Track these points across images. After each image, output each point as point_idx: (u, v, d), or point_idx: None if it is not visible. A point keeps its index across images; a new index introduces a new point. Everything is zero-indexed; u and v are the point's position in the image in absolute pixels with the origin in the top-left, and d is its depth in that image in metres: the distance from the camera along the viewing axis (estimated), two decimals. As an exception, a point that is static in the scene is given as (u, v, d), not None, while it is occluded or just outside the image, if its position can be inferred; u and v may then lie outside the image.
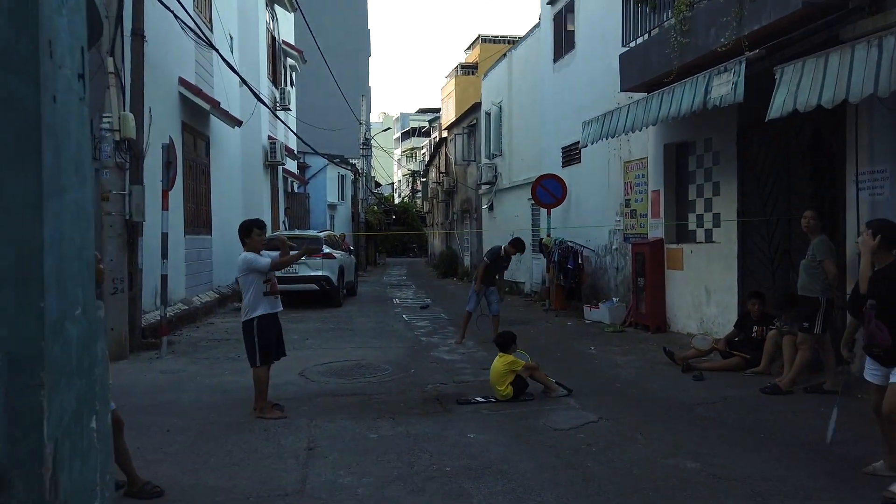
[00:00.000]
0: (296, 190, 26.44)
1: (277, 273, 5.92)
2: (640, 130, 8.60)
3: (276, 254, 6.03)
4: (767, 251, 7.98)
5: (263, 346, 5.73)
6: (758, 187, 8.09)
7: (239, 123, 15.00)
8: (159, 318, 9.17)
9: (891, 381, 3.92)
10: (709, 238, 9.17)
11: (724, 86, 6.52)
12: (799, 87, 5.50)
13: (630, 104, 8.54)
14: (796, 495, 3.92)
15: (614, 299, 11.34)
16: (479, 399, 6.26)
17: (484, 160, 20.75)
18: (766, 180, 7.94)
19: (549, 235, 13.32)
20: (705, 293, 9.05)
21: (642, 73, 9.04)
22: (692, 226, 9.59)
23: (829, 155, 6.99)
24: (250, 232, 5.79)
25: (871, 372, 4.18)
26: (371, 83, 47.60)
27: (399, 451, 4.82)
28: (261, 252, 5.88)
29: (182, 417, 5.72)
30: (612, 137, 8.74)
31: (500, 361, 6.29)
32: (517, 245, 10.05)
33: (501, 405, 6.08)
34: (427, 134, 57.41)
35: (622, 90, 9.86)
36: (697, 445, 4.86)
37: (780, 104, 5.64)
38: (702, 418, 5.58)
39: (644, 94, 8.72)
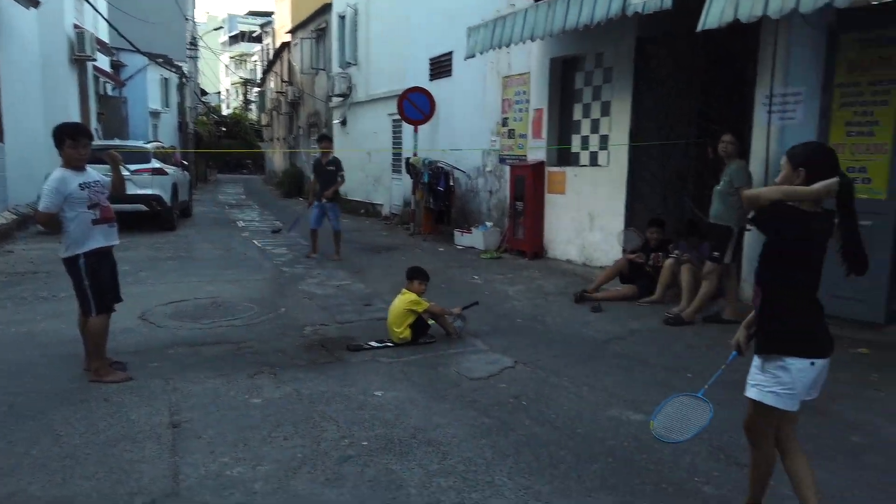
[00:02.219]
0: (110, 93, 22.81)
1: None
2: (542, 40, 7.80)
3: (98, 174, 4.54)
4: (661, 176, 7.73)
5: (98, 290, 4.35)
6: (654, 108, 7.71)
7: (35, 3, 12.08)
8: (-64, 247, 7.09)
9: None
10: (594, 161, 8.78)
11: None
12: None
13: (528, 8, 7.62)
14: (759, 449, 3.56)
15: (488, 224, 10.81)
16: (372, 344, 5.38)
17: (336, 69, 18.98)
18: (664, 101, 7.57)
19: (415, 155, 12.38)
20: (588, 219, 8.74)
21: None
22: (576, 148, 9.14)
23: (736, 75, 6.69)
24: (61, 143, 4.29)
25: None
26: (196, -24, 42.07)
27: (295, 420, 3.84)
28: (84, 168, 4.40)
29: (-20, 387, 4.24)
30: (506, 47, 7.86)
31: (401, 300, 5.41)
32: (323, 141, 10.10)
33: (402, 351, 5.25)
34: (259, 39, 52.78)
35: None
36: (631, 392, 4.42)
37: (717, 12, 5.07)
38: (619, 356, 5.16)
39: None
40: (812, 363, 2.46)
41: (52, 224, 4.30)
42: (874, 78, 5.31)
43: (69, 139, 4.30)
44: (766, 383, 2.50)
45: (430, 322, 5.54)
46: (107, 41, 21.21)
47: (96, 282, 4.35)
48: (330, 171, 9.68)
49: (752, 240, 6.09)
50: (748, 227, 5.97)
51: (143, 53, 22.86)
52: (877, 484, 3.18)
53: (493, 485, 3.13)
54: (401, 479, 3.17)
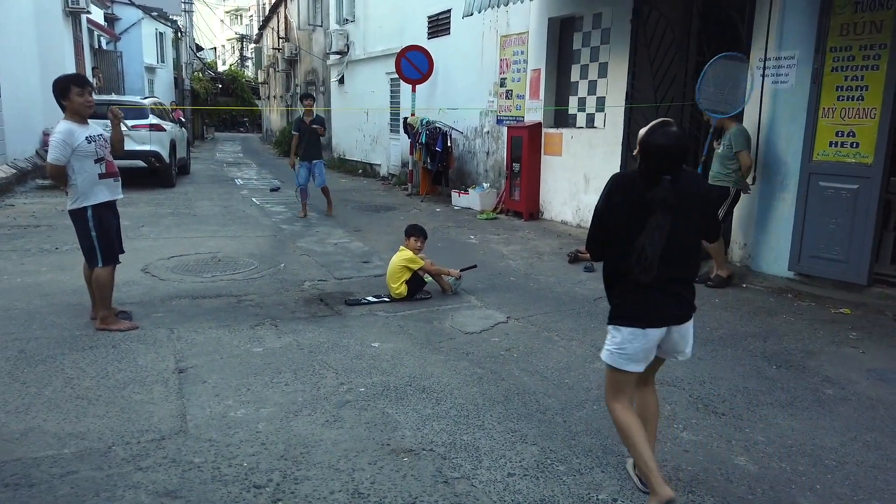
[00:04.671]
0: (104, 46, 22.55)
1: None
2: (540, -1, 7.78)
3: (101, 128, 4.62)
4: (655, 139, 7.80)
5: (105, 242, 4.48)
6: (650, 69, 7.75)
7: (28, -47, 11.89)
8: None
9: None
10: (590, 123, 8.83)
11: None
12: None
13: (527, -33, 7.61)
14: (736, 398, 3.75)
15: (485, 185, 10.89)
16: (370, 299, 5.54)
17: (334, 26, 18.76)
18: (661, 62, 7.60)
19: (413, 115, 12.38)
20: (584, 180, 8.84)
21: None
22: (573, 110, 9.18)
23: (732, 37, 6.72)
24: (67, 92, 4.34)
25: None
26: (190, -74, 40.97)
27: (295, 368, 4.02)
28: (87, 122, 4.47)
29: (-9, 334, 4.40)
30: (504, 6, 7.83)
31: (398, 257, 5.55)
32: (306, 99, 10.00)
33: (398, 306, 5.41)
34: (256, -6, 51.70)
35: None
36: (618, 346, 4.59)
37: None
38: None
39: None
40: (643, 331, 2.53)
41: (60, 176, 4.38)
42: (866, 42, 5.36)
43: (76, 87, 4.35)
44: (607, 343, 2.62)
45: (427, 279, 5.69)
46: (101, -6, 20.89)
47: (103, 233, 4.47)
48: (313, 130, 9.63)
49: (745, 201, 6.23)
50: (748, 190, 6.10)
51: (138, 6, 22.52)
52: (845, 432, 3.37)
53: (483, 428, 3.31)
54: (396, 421, 3.36)
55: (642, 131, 2.55)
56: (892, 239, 6.02)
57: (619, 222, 2.51)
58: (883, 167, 5.38)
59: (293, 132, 9.98)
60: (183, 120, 16.00)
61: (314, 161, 9.78)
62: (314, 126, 9.65)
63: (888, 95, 5.27)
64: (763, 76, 6.12)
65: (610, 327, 2.61)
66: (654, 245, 2.42)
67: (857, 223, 5.54)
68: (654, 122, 2.56)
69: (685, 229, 2.50)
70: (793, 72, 5.94)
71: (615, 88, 8.17)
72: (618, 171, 8.20)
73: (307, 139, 9.70)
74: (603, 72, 8.49)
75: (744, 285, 6.24)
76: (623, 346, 2.55)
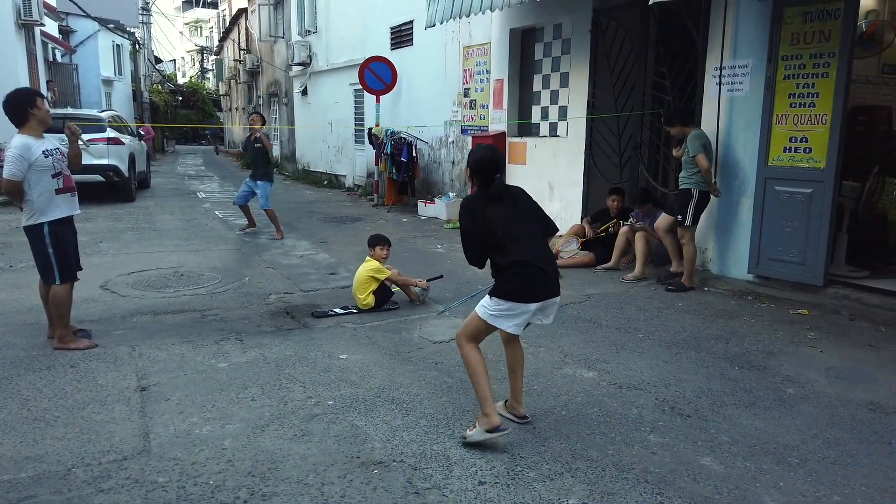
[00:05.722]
0: (59, 59, 22.04)
1: None
2: (501, 10, 7.86)
3: (57, 142, 4.53)
4: (617, 146, 7.93)
5: (63, 259, 4.36)
6: (610, 79, 7.88)
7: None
8: None
9: None
10: (553, 132, 8.94)
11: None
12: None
13: (488, -22, 7.67)
14: (701, 399, 3.82)
15: (451, 194, 10.93)
16: (337, 311, 5.49)
17: (296, 37, 18.66)
18: (620, 72, 7.74)
19: (377, 125, 12.37)
20: (549, 188, 8.93)
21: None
22: (536, 118, 9.29)
23: (688, 46, 6.87)
24: (27, 106, 4.25)
25: None
26: (147, -63, 40.36)
27: (262, 382, 3.96)
28: (42, 135, 4.37)
29: (-58, 356, 4.24)
30: (466, 17, 7.89)
31: (364, 268, 5.52)
32: (255, 119, 9.51)
33: (366, 317, 5.38)
34: (215, 5, 51.21)
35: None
36: (584, 352, 4.63)
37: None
38: (575, 319, 5.39)
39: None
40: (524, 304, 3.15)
41: (17, 192, 4.26)
42: (815, 50, 5.55)
43: (39, 98, 4.29)
44: (489, 307, 3.19)
45: (395, 289, 5.67)
46: (54, 5, 20.42)
47: (60, 250, 4.36)
48: (258, 149, 9.16)
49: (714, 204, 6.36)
50: (717, 192, 6.23)
51: (94, 18, 22.09)
52: (806, 430, 3.45)
53: (454, 437, 3.30)
54: (365, 433, 3.33)
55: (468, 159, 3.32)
56: (844, 241, 6.20)
57: (481, 229, 3.15)
58: (835, 171, 5.56)
59: (242, 150, 9.68)
60: (143, 133, 15.65)
61: (258, 181, 9.15)
62: (256, 146, 9.13)
63: (838, 102, 5.46)
64: (719, 84, 6.28)
65: (495, 298, 3.16)
66: (503, 226, 3.11)
67: (812, 226, 5.71)
68: (476, 147, 3.40)
69: (526, 217, 3.20)
70: (747, 80, 6.11)
71: (577, 98, 8.29)
72: (581, 178, 8.33)
73: (251, 157, 9.42)
74: (564, 81, 8.61)
75: (706, 289, 6.36)
76: (505, 311, 3.14)
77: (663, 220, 6.43)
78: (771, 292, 6.04)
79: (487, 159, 3.22)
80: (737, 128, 6.25)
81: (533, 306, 3.17)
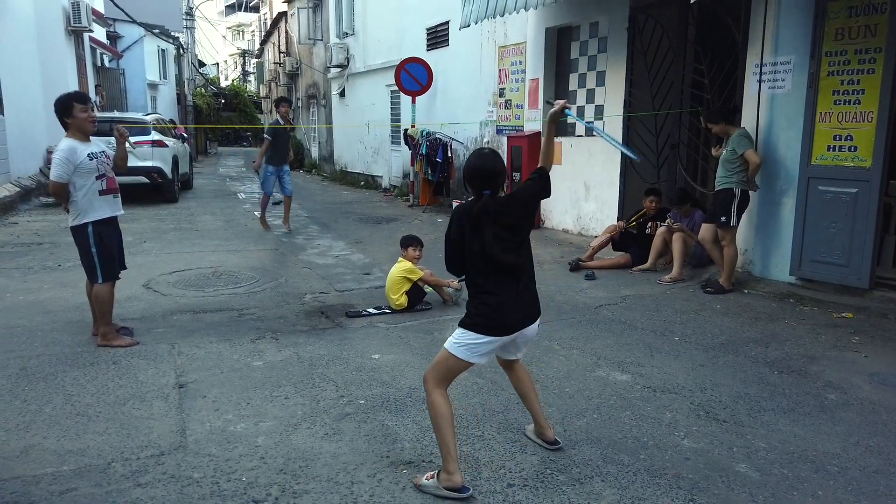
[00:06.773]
0: (107, 64, 22.73)
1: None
2: (536, 9, 7.82)
3: (103, 145, 4.67)
4: (654, 145, 7.81)
5: (105, 258, 4.50)
6: (647, 77, 7.77)
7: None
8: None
9: None
10: (590, 132, 8.85)
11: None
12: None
13: (523, -22, 7.63)
14: (738, 404, 3.74)
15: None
16: (371, 310, 5.54)
17: (334, 40, 18.89)
18: (658, 70, 7.62)
19: (413, 126, 12.43)
20: (584, 188, 8.85)
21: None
22: (572, 119, 9.19)
23: (728, 43, 6.73)
24: (69, 109, 4.38)
25: None
26: (191, -56, 41.34)
27: (295, 381, 4.02)
28: (89, 138, 4.51)
29: (-7, 352, 4.42)
30: (501, 17, 7.87)
31: (396, 268, 5.56)
32: (281, 104, 9.90)
33: (399, 317, 5.42)
34: (256, 9, 52.18)
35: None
36: (618, 354, 4.58)
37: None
38: (610, 321, 5.33)
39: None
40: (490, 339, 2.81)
41: (62, 194, 4.42)
42: (861, 46, 5.37)
43: (79, 103, 4.40)
44: (460, 339, 2.84)
45: (427, 289, 5.70)
46: (102, 11, 21.07)
47: (103, 250, 4.50)
48: (289, 135, 9.48)
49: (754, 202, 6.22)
50: (756, 187, 6.09)
51: (140, 24, 22.72)
52: (848, 437, 3.35)
53: (483, 438, 3.31)
54: (396, 433, 3.35)
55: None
56: (892, 242, 6.00)
57: (465, 240, 2.80)
58: (881, 170, 5.38)
59: (265, 135, 9.60)
60: (185, 136, 16.04)
61: (281, 167, 9.61)
62: (289, 133, 9.46)
63: (885, 98, 5.28)
64: (760, 82, 6.13)
65: (465, 330, 2.82)
66: (489, 246, 2.74)
67: (858, 227, 5.53)
68: (474, 151, 2.96)
69: (514, 231, 2.82)
70: (789, 77, 5.95)
71: (613, 97, 8.20)
72: (617, 178, 8.23)
73: (282, 143, 9.55)
74: (601, 80, 8.52)
75: (745, 291, 6.22)
76: (478, 345, 2.80)
77: (706, 230, 6.25)
78: (814, 295, 5.87)
79: (478, 169, 2.80)
80: (778, 126, 6.10)
81: (504, 339, 2.85)
